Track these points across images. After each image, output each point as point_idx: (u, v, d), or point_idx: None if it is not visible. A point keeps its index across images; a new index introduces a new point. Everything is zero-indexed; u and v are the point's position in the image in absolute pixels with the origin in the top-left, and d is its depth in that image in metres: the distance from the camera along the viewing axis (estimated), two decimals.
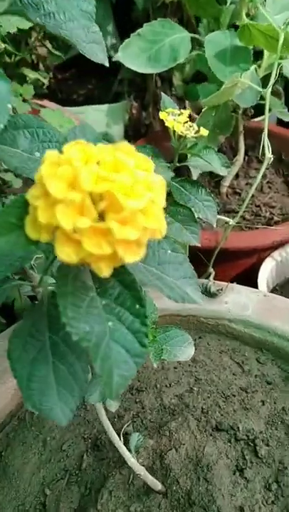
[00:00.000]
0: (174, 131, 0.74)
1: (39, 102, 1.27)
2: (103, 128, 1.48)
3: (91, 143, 0.35)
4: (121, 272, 0.33)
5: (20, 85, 0.86)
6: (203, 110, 1.05)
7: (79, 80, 1.74)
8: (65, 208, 0.25)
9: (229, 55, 1.02)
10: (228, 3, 1.09)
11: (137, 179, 0.27)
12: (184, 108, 1.27)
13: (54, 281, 0.49)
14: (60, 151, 0.33)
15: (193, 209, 0.78)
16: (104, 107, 1.49)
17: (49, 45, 1.30)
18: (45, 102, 1.30)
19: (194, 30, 1.26)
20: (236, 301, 0.88)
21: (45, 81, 1.28)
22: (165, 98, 0.78)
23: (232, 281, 0.96)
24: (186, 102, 1.38)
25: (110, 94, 1.61)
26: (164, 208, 0.84)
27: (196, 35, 1.12)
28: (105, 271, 0.28)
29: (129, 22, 1.30)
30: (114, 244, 0.27)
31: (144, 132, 1.53)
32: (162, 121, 0.73)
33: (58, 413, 0.38)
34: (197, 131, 0.73)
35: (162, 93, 0.78)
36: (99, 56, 0.48)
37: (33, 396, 0.37)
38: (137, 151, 0.31)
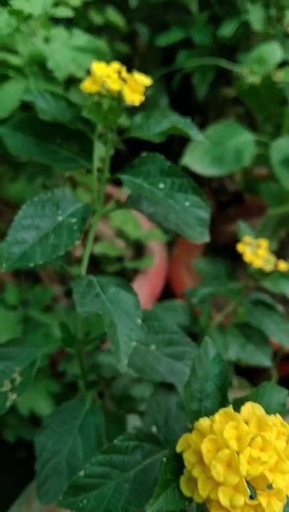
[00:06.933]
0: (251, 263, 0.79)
1: None
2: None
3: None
4: None
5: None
6: (266, 214, 1.12)
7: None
8: (224, 488, 0.31)
9: None
10: None
11: (281, 456, 0.32)
12: (242, 201, 1.33)
13: None
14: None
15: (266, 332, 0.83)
16: None
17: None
18: None
19: (255, 125, 1.34)
20: None
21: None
22: (242, 226, 0.83)
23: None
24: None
25: None
26: (239, 329, 0.88)
27: (260, 136, 1.20)
28: None
29: (187, 112, 1.39)
30: None
31: None
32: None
33: None
34: (275, 265, 0.78)
35: (240, 222, 0.83)
36: (203, 237, 0.53)
37: None
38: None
